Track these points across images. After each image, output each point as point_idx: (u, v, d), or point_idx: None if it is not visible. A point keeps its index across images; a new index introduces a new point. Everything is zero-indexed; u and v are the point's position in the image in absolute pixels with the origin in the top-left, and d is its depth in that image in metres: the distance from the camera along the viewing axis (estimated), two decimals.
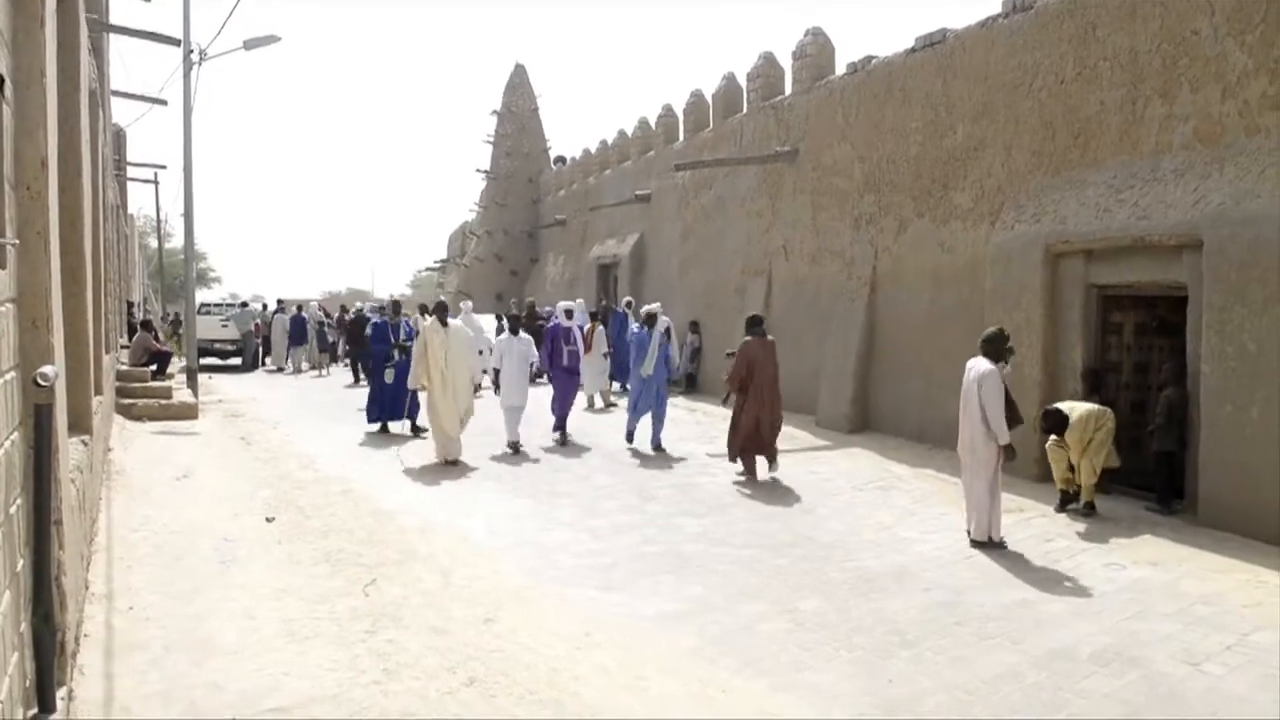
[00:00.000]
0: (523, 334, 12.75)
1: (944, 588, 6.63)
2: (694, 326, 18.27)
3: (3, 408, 3.23)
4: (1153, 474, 8.79)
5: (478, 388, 11.62)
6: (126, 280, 25.29)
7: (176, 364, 18.74)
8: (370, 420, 13.45)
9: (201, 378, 17.55)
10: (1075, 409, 8.42)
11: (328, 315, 26.05)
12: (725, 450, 10.91)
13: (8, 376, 3.37)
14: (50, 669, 3.57)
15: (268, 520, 7.92)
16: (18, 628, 3.28)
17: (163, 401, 14.18)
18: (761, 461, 10.58)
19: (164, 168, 26.40)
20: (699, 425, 13.69)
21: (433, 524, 8.18)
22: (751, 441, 10.47)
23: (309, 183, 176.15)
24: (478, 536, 7.89)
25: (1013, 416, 7.68)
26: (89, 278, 6.97)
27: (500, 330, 15.58)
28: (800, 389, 14.82)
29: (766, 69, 17.10)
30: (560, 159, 32.12)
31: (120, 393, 13.82)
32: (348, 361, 22.65)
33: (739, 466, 10.60)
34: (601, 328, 16.19)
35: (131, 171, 24.57)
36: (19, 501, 3.42)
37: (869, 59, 13.85)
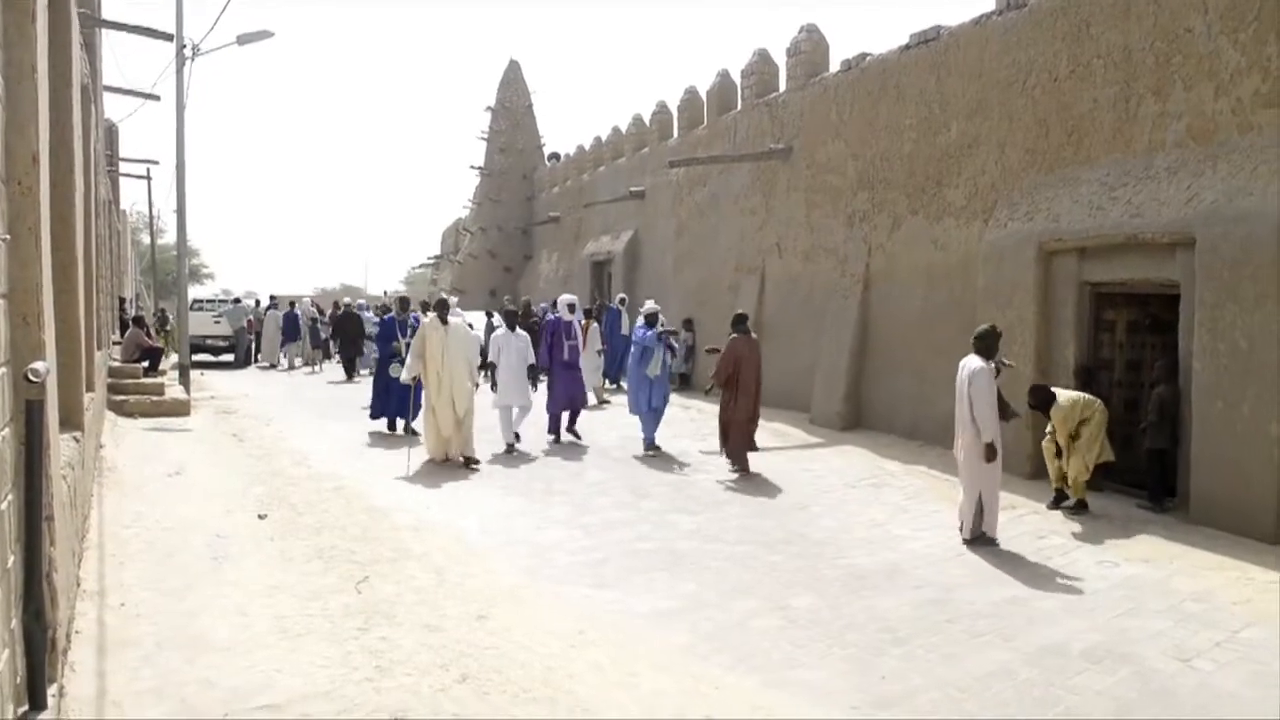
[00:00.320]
0: (521, 331, 12.43)
1: (936, 585, 6.65)
2: (688, 324, 18.27)
3: None
4: (1145, 471, 8.82)
5: (476, 386, 11.28)
6: (119, 276, 25.20)
7: (167, 360, 18.71)
8: (374, 417, 13.23)
9: (194, 374, 17.51)
10: (1064, 394, 8.46)
11: (321, 311, 26.00)
12: (718, 448, 11.05)
13: None
14: (41, 666, 3.56)
15: (260, 517, 7.91)
16: (8, 625, 3.27)
17: (155, 398, 14.15)
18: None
19: (157, 163, 26.46)
20: (693, 423, 13.70)
21: (426, 521, 8.18)
22: (741, 438, 10.63)
23: (302, 178, 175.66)
24: (471, 534, 7.89)
25: (1005, 411, 7.72)
26: (80, 273, 6.94)
27: (492, 327, 15.54)
28: (793, 386, 14.85)
29: (761, 66, 17.10)
30: (554, 155, 32.08)
31: (112, 389, 13.78)
32: (340, 358, 22.59)
33: (729, 463, 10.72)
34: (596, 325, 16.19)
35: (124, 167, 24.49)
36: (10, 498, 3.40)
37: (863, 56, 13.86)
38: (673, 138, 20.99)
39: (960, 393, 7.73)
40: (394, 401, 12.71)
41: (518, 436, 11.78)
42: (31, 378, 3.48)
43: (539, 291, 26.90)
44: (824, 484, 10.00)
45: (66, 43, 6.88)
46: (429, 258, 44.50)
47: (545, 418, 12.49)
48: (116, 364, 15.62)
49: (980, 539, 7.63)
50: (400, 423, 12.86)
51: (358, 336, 21.72)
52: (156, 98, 16.50)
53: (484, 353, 13.02)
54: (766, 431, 13.18)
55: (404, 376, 11.24)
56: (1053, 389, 8.57)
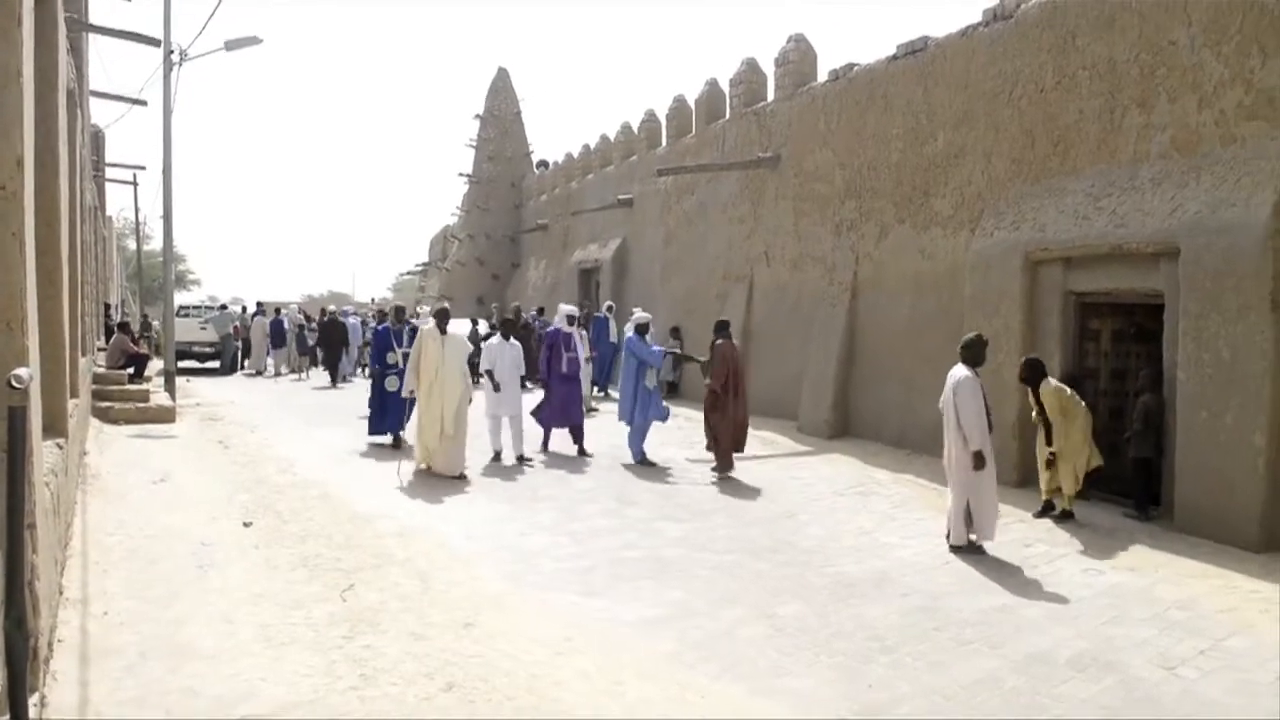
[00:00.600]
0: (514, 340, 12.08)
1: (923, 593, 6.66)
2: (675, 332, 18.29)
3: None
4: (1130, 480, 8.87)
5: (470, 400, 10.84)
6: (104, 282, 25.08)
7: (153, 366, 18.61)
8: (372, 433, 12.65)
9: (179, 381, 17.41)
10: (1053, 380, 8.56)
11: (308, 319, 25.92)
12: (707, 456, 11.17)
13: None
14: (22, 675, 3.52)
15: (245, 525, 7.86)
16: None
17: (140, 405, 14.06)
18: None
19: (143, 169, 26.34)
20: (680, 430, 13.69)
21: (411, 529, 8.14)
22: (731, 440, 10.89)
23: (290, 185, 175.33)
24: (456, 541, 7.85)
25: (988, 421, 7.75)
26: (65, 279, 6.91)
27: (477, 334, 15.50)
28: (781, 394, 14.87)
29: (749, 75, 17.16)
30: (543, 163, 32.10)
31: (97, 395, 13.70)
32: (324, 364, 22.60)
33: (712, 465, 11.06)
34: (584, 333, 16.19)
35: (110, 172, 24.40)
36: None
37: (851, 66, 13.93)
38: (661, 146, 21.03)
39: (947, 401, 7.76)
40: (390, 415, 12.25)
41: (523, 458, 11.38)
42: (14, 384, 3.46)
43: (527, 299, 26.88)
44: (812, 492, 10.00)
45: (53, 46, 6.86)
46: (417, 265, 44.46)
47: (536, 429, 12.17)
48: (101, 370, 15.52)
49: (967, 547, 7.65)
50: (401, 434, 12.43)
51: (341, 343, 22.17)
52: (143, 103, 16.46)
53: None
54: (755, 439, 13.20)
55: (404, 390, 11.00)
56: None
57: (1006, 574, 7.11)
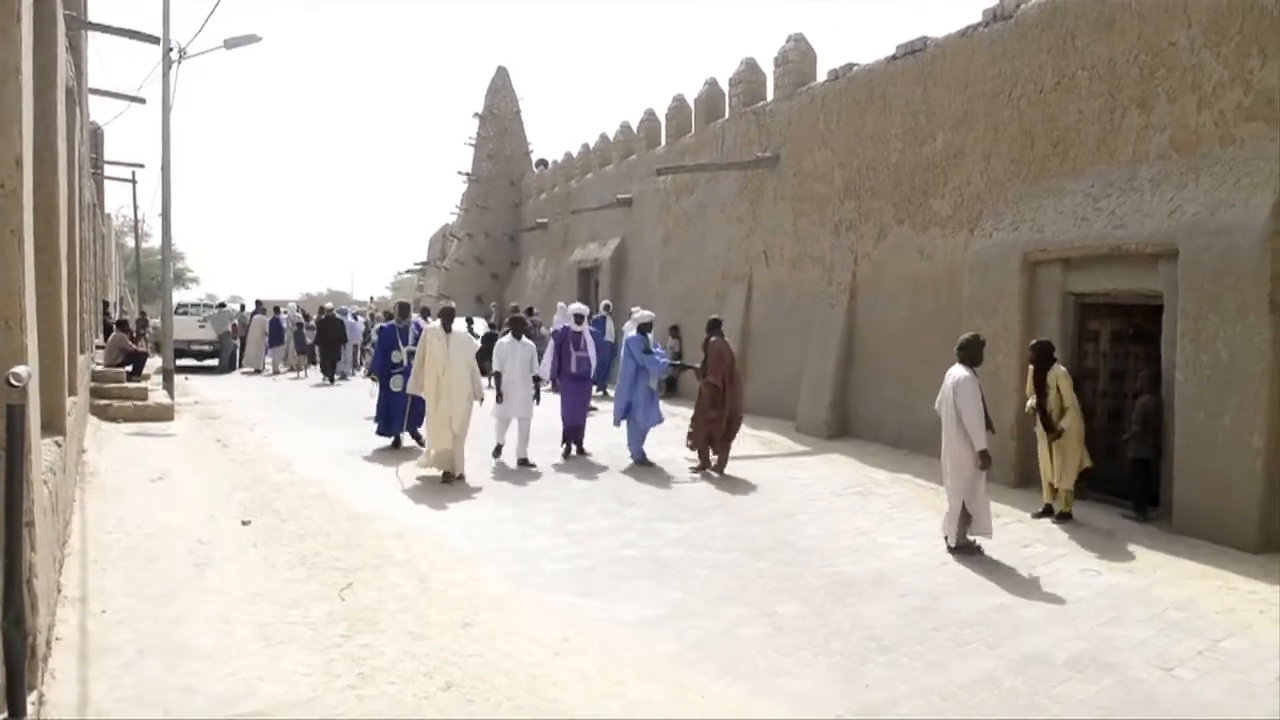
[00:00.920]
0: (527, 340, 11.70)
1: (921, 593, 6.66)
2: (674, 331, 18.29)
3: None
4: (1128, 481, 8.87)
5: (480, 400, 10.50)
6: (103, 280, 25.06)
7: (152, 364, 18.60)
8: (380, 433, 12.34)
9: (178, 379, 17.40)
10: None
11: (306, 317, 25.91)
12: (701, 455, 11.25)
13: None
14: (21, 673, 3.52)
15: (244, 523, 7.85)
16: None
17: (138, 402, 14.05)
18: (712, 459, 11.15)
19: (142, 166, 26.20)
20: (679, 430, 13.66)
21: (410, 528, 8.14)
22: (714, 434, 11.02)
23: (289, 183, 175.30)
24: (456, 541, 7.85)
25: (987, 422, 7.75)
26: (64, 277, 6.90)
27: (474, 334, 15.39)
28: (780, 394, 14.87)
29: (748, 74, 17.17)
30: (542, 162, 32.10)
31: (95, 393, 13.68)
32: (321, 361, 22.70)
33: (699, 462, 11.21)
34: (593, 329, 16.14)
35: (109, 170, 24.34)
36: None
37: (850, 66, 13.93)
38: (660, 145, 21.04)
39: (946, 402, 7.76)
40: (397, 416, 11.96)
41: (525, 462, 11.10)
42: (13, 382, 3.46)
43: (526, 298, 26.88)
44: (810, 492, 10.01)
45: (52, 44, 6.85)
46: (416, 264, 44.41)
47: (547, 429, 11.93)
48: (100, 368, 15.51)
49: (965, 547, 7.65)
50: (404, 435, 12.25)
51: (339, 341, 22.38)
52: (142, 101, 16.43)
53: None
54: (753, 439, 13.22)
55: (410, 388, 10.78)
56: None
57: (1004, 574, 7.11)
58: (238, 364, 25.82)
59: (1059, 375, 8.48)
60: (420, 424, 11.72)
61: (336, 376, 22.00)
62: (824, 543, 8.06)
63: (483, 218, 32.50)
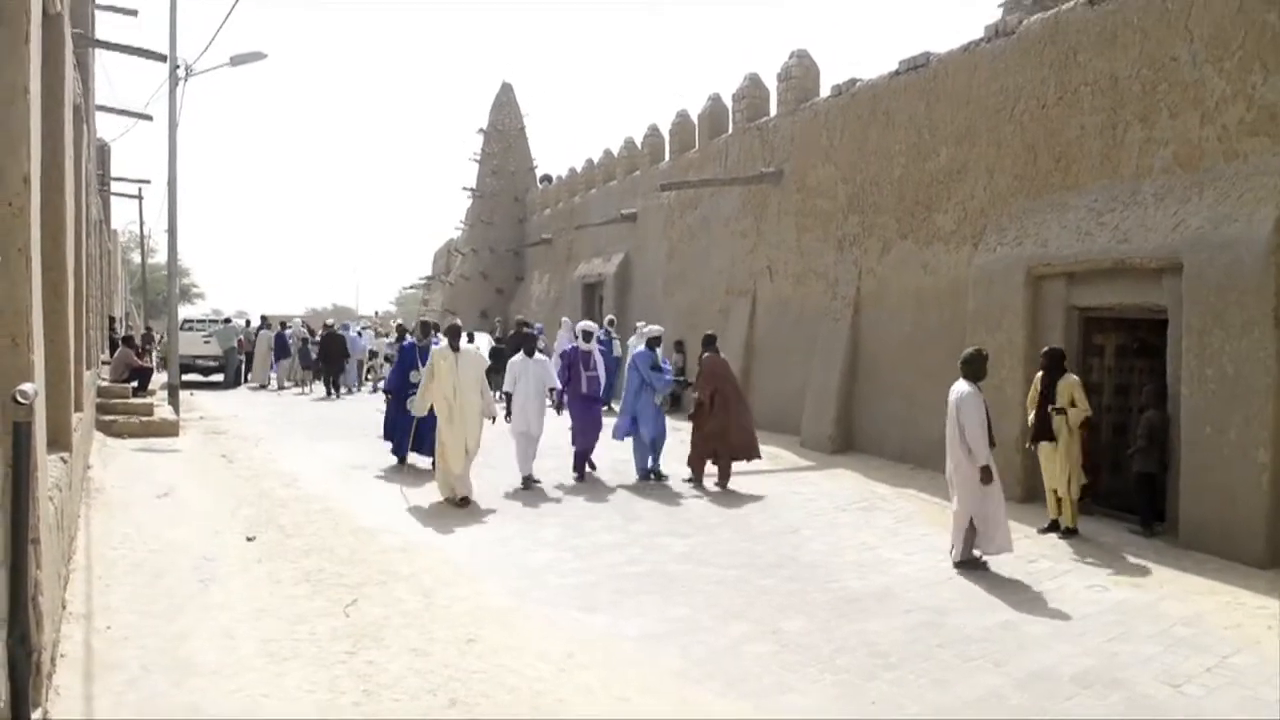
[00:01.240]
0: (539, 356, 11.44)
1: (927, 609, 6.64)
2: (678, 346, 18.29)
3: None
4: (1134, 496, 8.84)
5: (492, 419, 10.28)
6: (109, 295, 25.13)
7: (157, 380, 18.64)
8: (395, 453, 12.07)
9: (183, 394, 17.43)
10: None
11: (311, 332, 25.98)
12: (709, 470, 11.25)
13: None
14: (26, 690, 3.53)
15: (248, 539, 7.86)
16: None
17: (144, 418, 14.08)
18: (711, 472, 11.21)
19: (148, 182, 26.42)
20: (683, 445, 13.65)
21: (414, 543, 8.14)
22: (710, 450, 11.08)
23: (294, 199, 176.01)
24: (460, 556, 7.85)
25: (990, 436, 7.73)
26: (70, 294, 6.94)
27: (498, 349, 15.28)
28: (784, 409, 14.86)
29: (752, 90, 17.23)
30: (546, 178, 32.20)
31: (101, 409, 13.72)
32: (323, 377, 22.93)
33: (701, 477, 11.22)
34: (603, 348, 16.12)
35: (115, 186, 24.48)
36: None
37: (853, 81, 13.98)
38: (664, 161, 21.10)
39: (950, 417, 7.74)
40: (405, 435, 11.55)
41: (531, 479, 10.82)
42: (19, 399, 3.47)
43: (530, 313, 26.92)
44: (815, 507, 9.99)
45: (60, 63, 6.90)
46: (420, 278, 44.51)
47: (559, 456, 11.64)
48: (105, 384, 15.55)
49: (971, 562, 7.63)
50: (419, 460, 11.84)
51: (340, 356, 22.65)
52: (149, 118, 16.50)
53: None
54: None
55: (414, 409, 10.48)
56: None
57: (1010, 590, 7.08)
58: (243, 379, 25.90)
59: (1072, 384, 8.45)
60: (425, 445, 11.18)
61: (342, 390, 22.33)
62: (829, 558, 8.04)
63: (487, 233, 32.59)
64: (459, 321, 10.97)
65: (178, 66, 16.40)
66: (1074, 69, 9.89)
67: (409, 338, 15.06)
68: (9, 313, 3.93)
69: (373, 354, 25.06)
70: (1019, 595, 6.96)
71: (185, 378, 20.64)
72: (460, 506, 9.67)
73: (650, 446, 11.45)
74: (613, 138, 57.16)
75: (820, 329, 14.12)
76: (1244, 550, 7.51)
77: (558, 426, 12.02)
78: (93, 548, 7.12)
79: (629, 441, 11.67)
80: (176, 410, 15.53)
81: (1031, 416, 8.68)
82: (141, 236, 41.55)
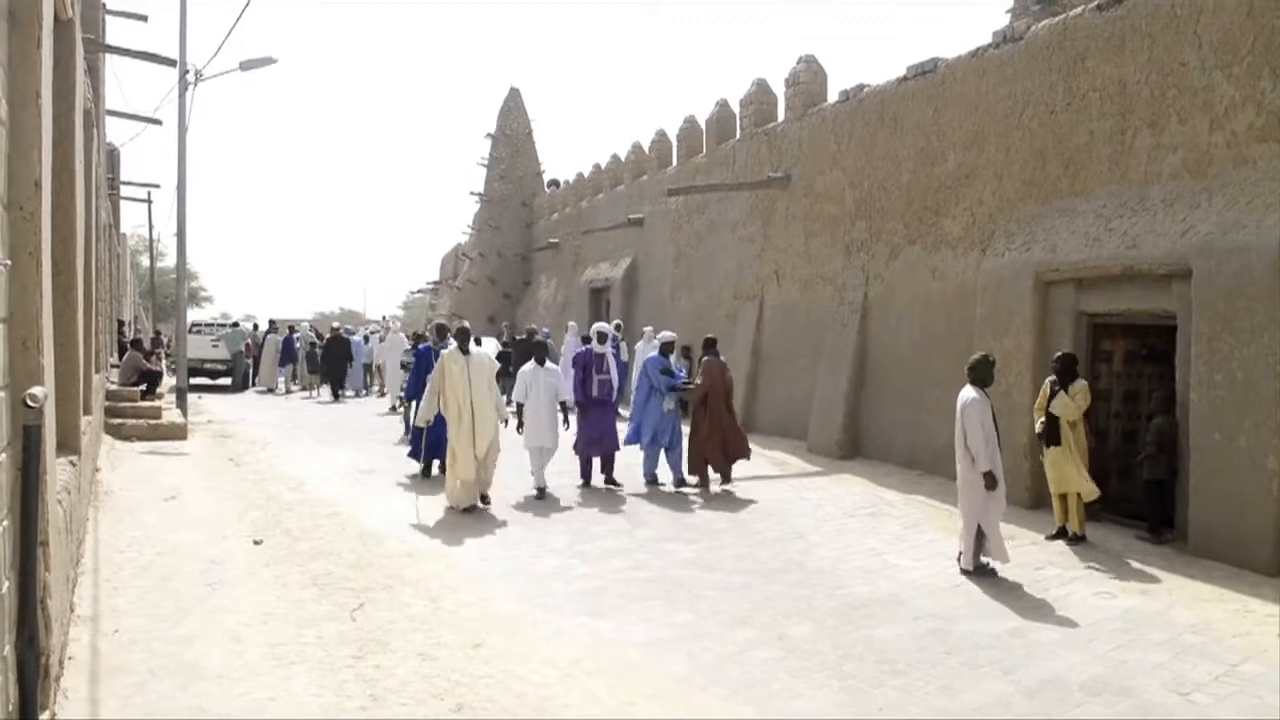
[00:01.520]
0: (551, 366, 11.12)
1: (934, 615, 6.62)
2: (685, 352, 18.27)
3: None
4: (1143, 503, 8.81)
5: (505, 422, 10.04)
6: (118, 299, 25.23)
7: (166, 383, 18.69)
8: (416, 457, 11.60)
9: (191, 398, 17.48)
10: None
11: (319, 336, 26.04)
12: (712, 476, 11.26)
13: None
14: (34, 693, 3.53)
15: (255, 543, 7.87)
16: (1, 651, 3.25)
17: (152, 421, 14.12)
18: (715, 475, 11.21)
19: (158, 187, 26.66)
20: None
21: (421, 548, 8.14)
22: (708, 451, 11.10)
23: (302, 203, 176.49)
24: (466, 561, 7.85)
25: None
26: (80, 298, 6.96)
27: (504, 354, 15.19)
28: (791, 414, 14.85)
29: (760, 95, 17.24)
30: (554, 182, 32.25)
31: (109, 412, 13.76)
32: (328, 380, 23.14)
33: (706, 480, 11.22)
34: (616, 351, 16.12)
35: (125, 190, 24.61)
36: (5, 523, 3.39)
37: (861, 87, 13.98)
38: (672, 166, 21.11)
39: (957, 423, 7.73)
40: (431, 442, 11.09)
41: (543, 491, 10.57)
42: (30, 403, 3.48)
43: (537, 318, 26.96)
44: (822, 513, 9.96)
45: (70, 68, 6.94)
46: (428, 283, 44.56)
47: (572, 461, 11.40)
48: (114, 387, 15.60)
49: (979, 569, 7.60)
50: (435, 464, 11.40)
51: (345, 359, 22.92)
52: (159, 122, 16.62)
53: None
54: (765, 459, 13.18)
55: (418, 419, 10.11)
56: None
57: (1018, 597, 7.06)
58: (251, 383, 25.97)
59: (1079, 388, 8.42)
60: (440, 452, 10.78)
61: (347, 394, 22.60)
62: (836, 564, 8.02)
63: (495, 237, 32.65)
64: (467, 324, 10.63)
65: (187, 71, 16.47)
66: (1082, 74, 9.88)
67: (423, 343, 14.86)
68: (20, 316, 3.94)
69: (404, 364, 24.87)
70: (1027, 602, 6.93)
71: (193, 381, 20.69)
72: (477, 509, 9.60)
73: (661, 453, 11.33)
74: (620, 143, 57.30)
75: (827, 334, 14.11)
76: (1253, 557, 7.47)
77: (570, 435, 11.95)
78: (100, 551, 7.15)
79: (633, 445, 11.61)
80: (184, 413, 15.56)
81: (1039, 422, 8.65)
82: (150, 240, 41.75)
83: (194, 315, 37.20)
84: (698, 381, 11.42)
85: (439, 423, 10.17)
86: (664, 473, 11.55)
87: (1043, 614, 6.66)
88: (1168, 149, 8.95)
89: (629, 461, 11.91)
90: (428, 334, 16.06)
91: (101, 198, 13.92)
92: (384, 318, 28.52)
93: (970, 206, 11.51)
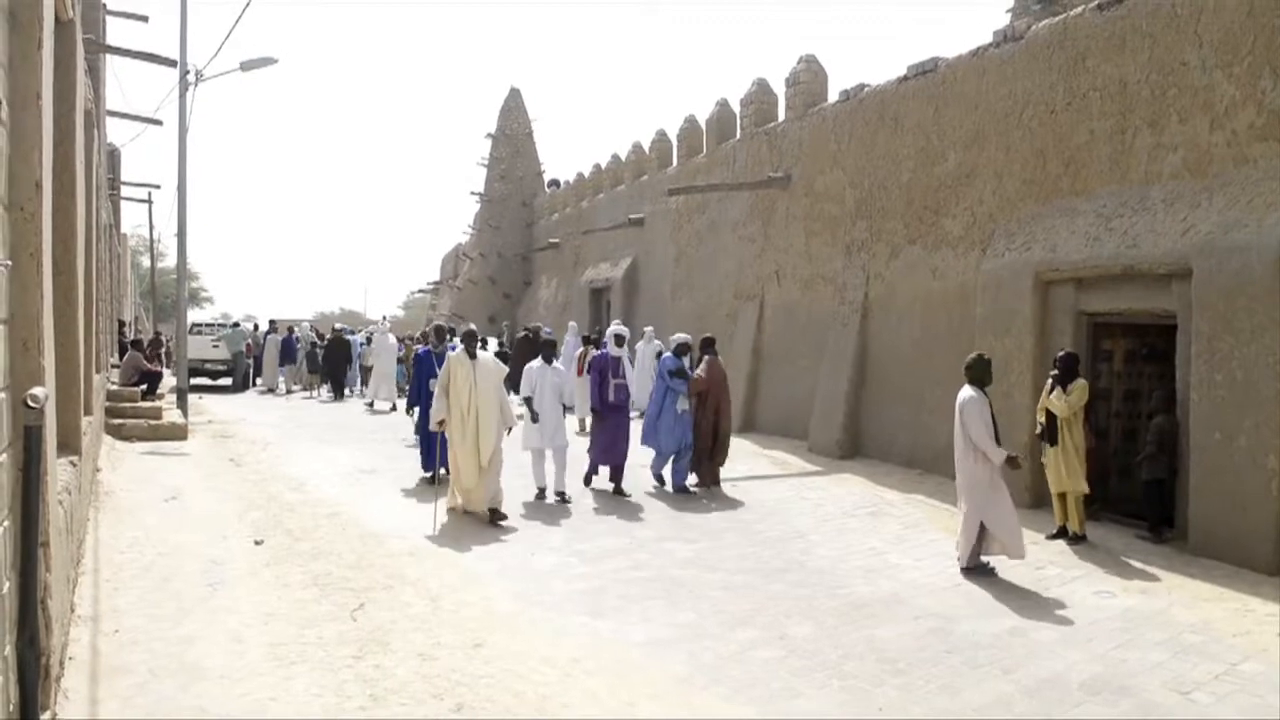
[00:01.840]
0: (558, 365, 10.90)
1: (935, 615, 6.62)
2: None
3: None
4: (1143, 502, 8.81)
5: (509, 430, 9.67)
6: (118, 299, 25.24)
7: (167, 383, 18.70)
8: (427, 468, 11.17)
9: (191, 398, 17.49)
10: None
11: (320, 336, 26.05)
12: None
13: None
14: (34, 693, 3.54)
15: (256, 543, 7.87)
16: (2, 651, 3.25)
17: (152, 422, 14.12)
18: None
19: (158, 187, 26.68)
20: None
21: (422, 548, 8.14)
22: (704, 450, 11.13)
23: (303, 203, 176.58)
24: (466, 560, 7.85)
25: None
26: (81, 298, 6.96)
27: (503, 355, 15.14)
28: (792, 414, 14.85)
29: (760, 95, 17.25)
30: (554, 182, 32.27)
31: (110, 412, 13.76)
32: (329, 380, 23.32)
33: (704, 477, 11.24)
34: (595, 351, 16.16)
35: (126, 191, 24.60)
36: (6, 523, 3.40)
37: (862, 86, 13.98)
38: (672, 166, 21.12)
39: (956, 422, 7.73)
40: (435, 448, 10.42)
41: (563, 495, 10.31)
42: (31, 403, 3.49)
43: (538, 317, 26.96)
44: (822, 512, 9.97)
45: (71, 68, 6.94)
46: (428, 283, 44.60)
47: (580, 462, 11.21)
48: (114, 387, 15.61)
49: (979, 568, 7.60)
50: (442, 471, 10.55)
51: (344, 360, 23.16)
52: (159, 123, 16.62)
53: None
54: (765, 459, 13.19)
55: (431, 423, 9.68)
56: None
57: (1019, 596, 7.06)
58: (251, 383, 25.98)
59: (1079, 387, 8.42)
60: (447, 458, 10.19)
61: (347, 393, 22.74)
62: (837, 564, 8.02)
63: (495, 237, 32.67)
64: (474, 326, 10.28)
65: (188, 72, 16.48)
66: (1083, 74, 9.88)
67: (422, 346, 14.64)
68: (20, 317, 3.94)
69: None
70: (1027, 601, 6.94)
71: (194, 381, 20.71)
72: (493, 522, 9.17)
73: (676, 455, 11.10)
74: (621, 143, 57.31)
75: (828, 334, 14.11)
76: (1253, 556, 7.48)
77: (580, 438, 11.86)
78: (101, 551, 7.15)
79: (646, 447, 11.37)
80: (185, 414, 15.57)
81: (1039, 423, 8.66)
82: (151, 240, 41.78)
83: (194, 316, 37.21)
84: (699, 374, 11.36)
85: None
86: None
87: (1043, 613, 6.66)
88: (1168, 148, 8.95)
89: (633, 462, 11.82)
90: (427, 336, 15.94)
91: (102, 198, 13.93)
92: (383, 318, 28.39)
93: (971, 206, 11.50)
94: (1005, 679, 5.48)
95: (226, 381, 25.41)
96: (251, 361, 26.27)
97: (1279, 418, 7.42)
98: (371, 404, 20.18)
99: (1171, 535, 8.47)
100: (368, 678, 5.03)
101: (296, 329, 26.16)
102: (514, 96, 33.53)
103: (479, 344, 9.62)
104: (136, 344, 17.49)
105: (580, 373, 14.82)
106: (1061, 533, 8.58)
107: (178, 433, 13.98)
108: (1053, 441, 8.45)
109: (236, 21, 17.55)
